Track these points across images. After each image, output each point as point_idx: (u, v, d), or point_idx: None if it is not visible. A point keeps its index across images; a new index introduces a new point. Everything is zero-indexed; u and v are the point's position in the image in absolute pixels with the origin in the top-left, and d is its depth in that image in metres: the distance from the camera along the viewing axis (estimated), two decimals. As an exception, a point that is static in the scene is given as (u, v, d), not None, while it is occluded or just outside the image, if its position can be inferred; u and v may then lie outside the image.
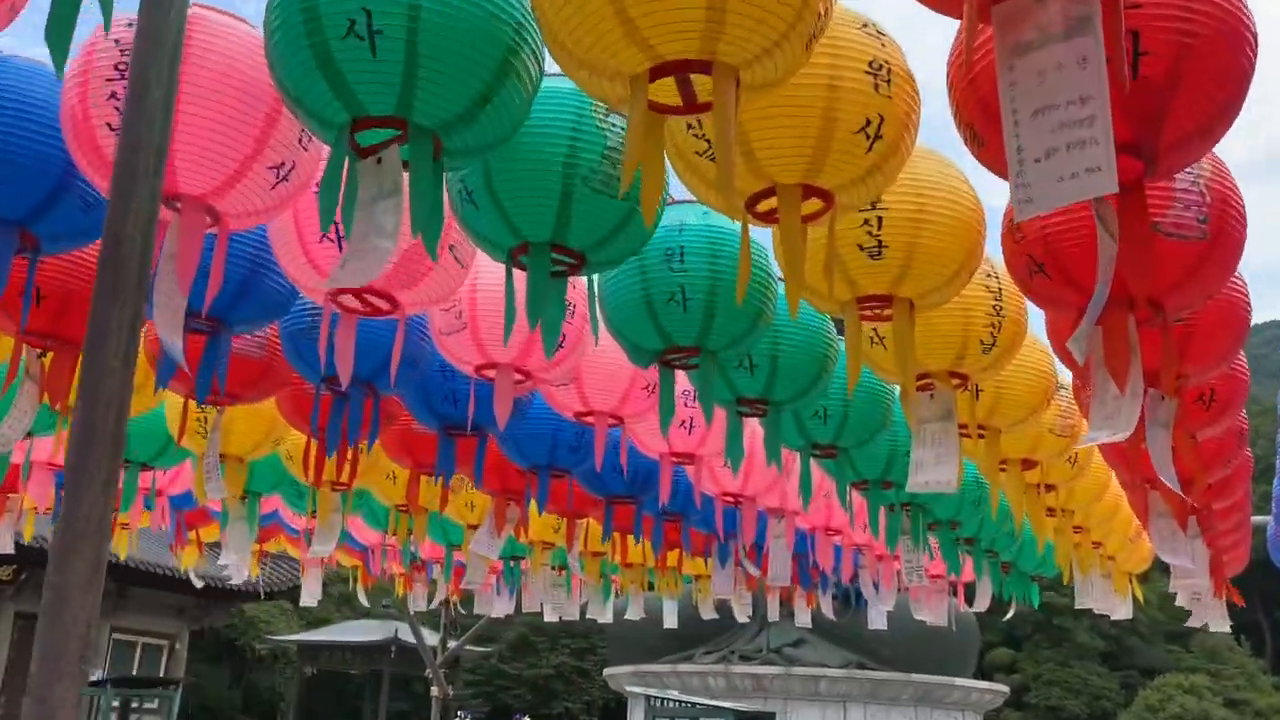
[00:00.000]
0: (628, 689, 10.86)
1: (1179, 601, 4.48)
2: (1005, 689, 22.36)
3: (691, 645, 21.45)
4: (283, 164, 2.53)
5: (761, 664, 19.89)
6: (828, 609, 6.45)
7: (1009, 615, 6.22)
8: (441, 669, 9.54)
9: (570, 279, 2.59)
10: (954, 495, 4.21)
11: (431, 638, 12.68)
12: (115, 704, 12.19)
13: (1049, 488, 4.03)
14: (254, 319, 3.35)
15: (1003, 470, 3.58)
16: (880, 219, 2.56)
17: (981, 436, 3.42)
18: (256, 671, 36.50)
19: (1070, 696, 39.70)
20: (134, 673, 22.96)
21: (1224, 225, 2.33)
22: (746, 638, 21.10)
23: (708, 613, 6.31)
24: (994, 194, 3.00)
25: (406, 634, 10.01)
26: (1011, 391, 3.31)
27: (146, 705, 13.13)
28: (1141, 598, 5.66)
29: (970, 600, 5.83)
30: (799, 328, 3.20)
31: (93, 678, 18.00)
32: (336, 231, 2.73)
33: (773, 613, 6.83)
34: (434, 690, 9.35)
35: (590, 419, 3.86)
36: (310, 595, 7.24)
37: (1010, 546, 5.23)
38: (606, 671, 23.00)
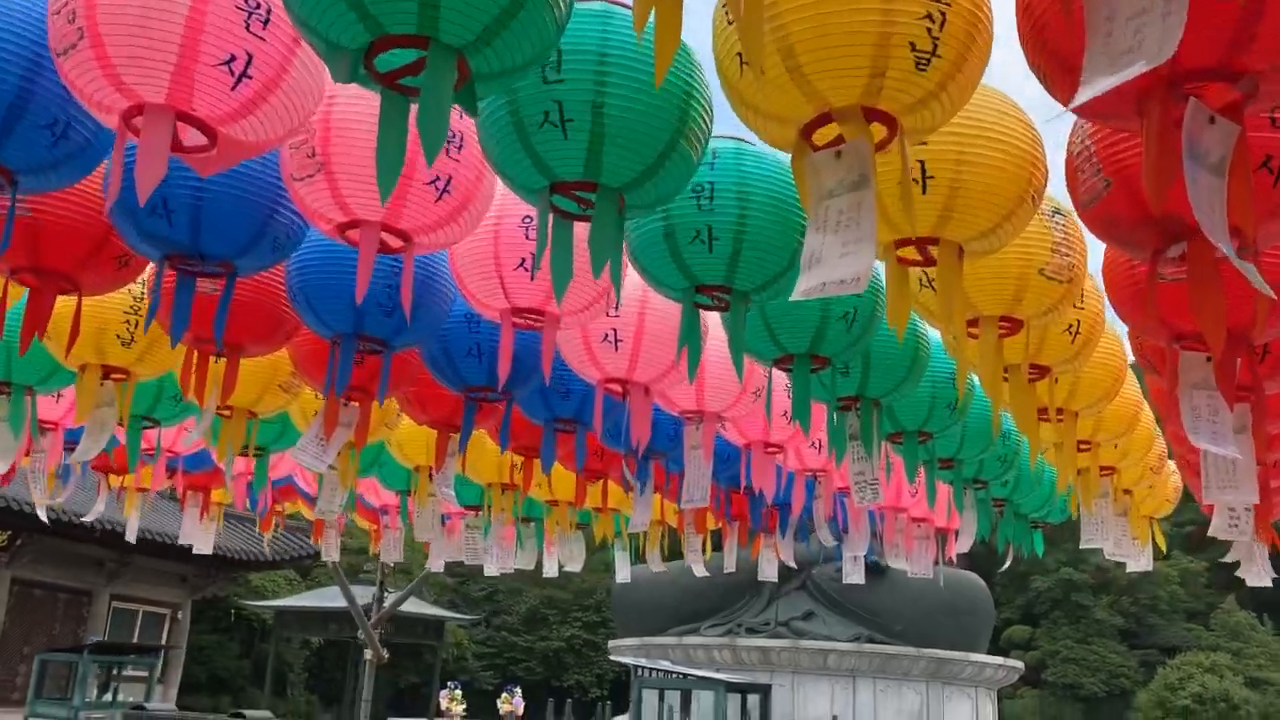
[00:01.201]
0: (625, 661, 10.41)
1: (1213, 530, 3.58)
2: (1020, 665, 21.86)
3: (698, 618, 21.10)
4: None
5: (769, 637, 19.49)
6: (789, 555, 5.76)
7: (1004, 565, 5.48)
8: (377, 630, 9.03)
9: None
10: (921, 396, 3.67)
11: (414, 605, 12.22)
12: (97, 671, 11.80)
13: (1039, 371, 3.18)
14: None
15: (972, 334, 2.88)
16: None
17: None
18: (267, 641, 36.43)
19: (1088, 674, 39.25)
20: (134, 641, 22.74)
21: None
22: (754, 610, 20.70)
23: (700, 570, 5.71)
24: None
25: (388, 600, 9.60)
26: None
27: (129, 672, 12.76)
28: (1164, 545, 4.99)
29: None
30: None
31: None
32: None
33: (767, 573, 6.22)
34: (367, 654, 8.84)
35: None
36: (330, 553, 6.90)
37: (1001, 473, 4.35)
38: (611, 644, 22.64)
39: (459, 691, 14.16)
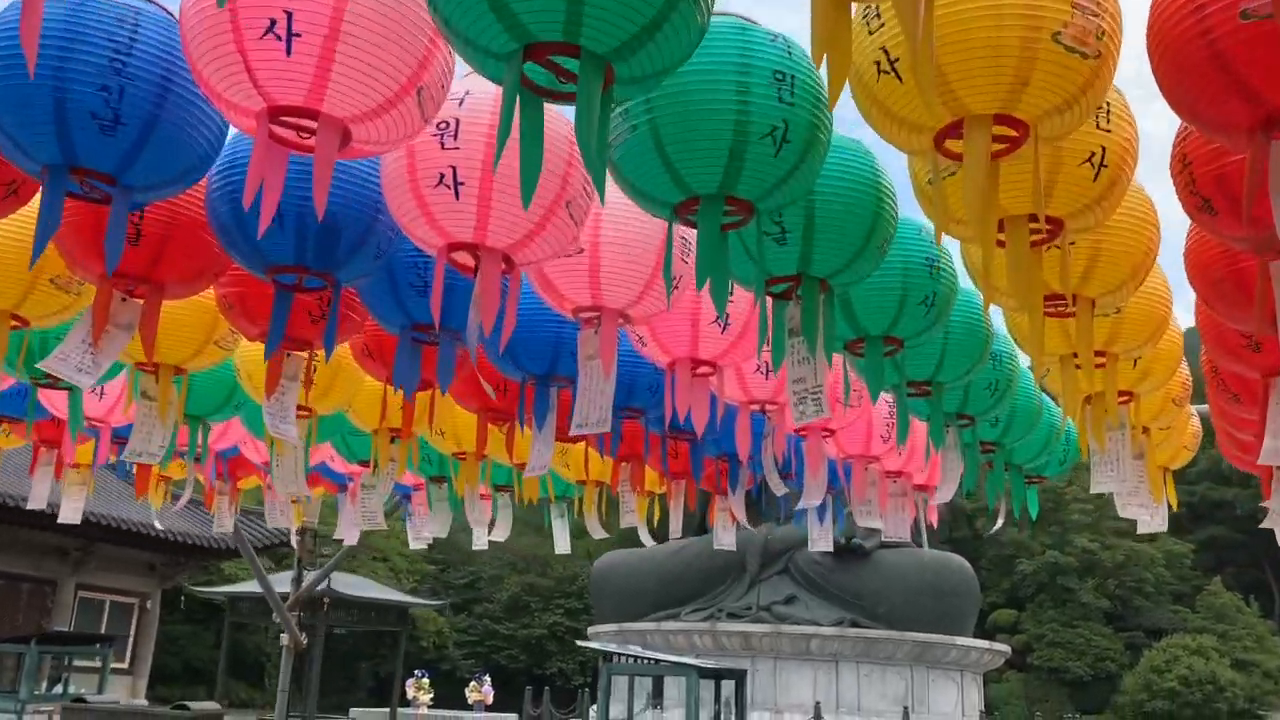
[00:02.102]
0: (593, 647, 9.93)
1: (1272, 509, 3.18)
2: (1006, 649, 21.53)
3: (679, 604, 20.70)
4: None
5: (750, 622, 19.09)
6: (741, 513, 5.11)
7: (995, 526, 4.74)
8: (295, 614, 8.51)
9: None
10: (887, 286, 2.90)
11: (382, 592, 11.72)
12: (50, 661, 11.25)
13: (1049, 230, 2.34)
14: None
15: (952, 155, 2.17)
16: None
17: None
18: (243, 631, 35.91)
19: (1074, 658, 39.07)
20: (102, 631, 22.19)
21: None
22: (735, 595, 20.32)
23: (643, 532, 5.10)
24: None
25: (339, 584, 9.08)
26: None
27: (79, 662, 12.22)
28: (1175, 504, 4.39)
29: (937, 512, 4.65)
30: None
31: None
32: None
33: (724, 540, 5.60)
34: (283, 639, 8.31)
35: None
36: (223, 523, 6.15)
37: (990, 406, 3.56)
38: (591, 630, 22.22)
39: (426, 680, 13.68)
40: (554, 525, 5.47)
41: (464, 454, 4.75)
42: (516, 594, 43.82)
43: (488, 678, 16.51)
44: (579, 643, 10.31)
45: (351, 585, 9.26)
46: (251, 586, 10.59)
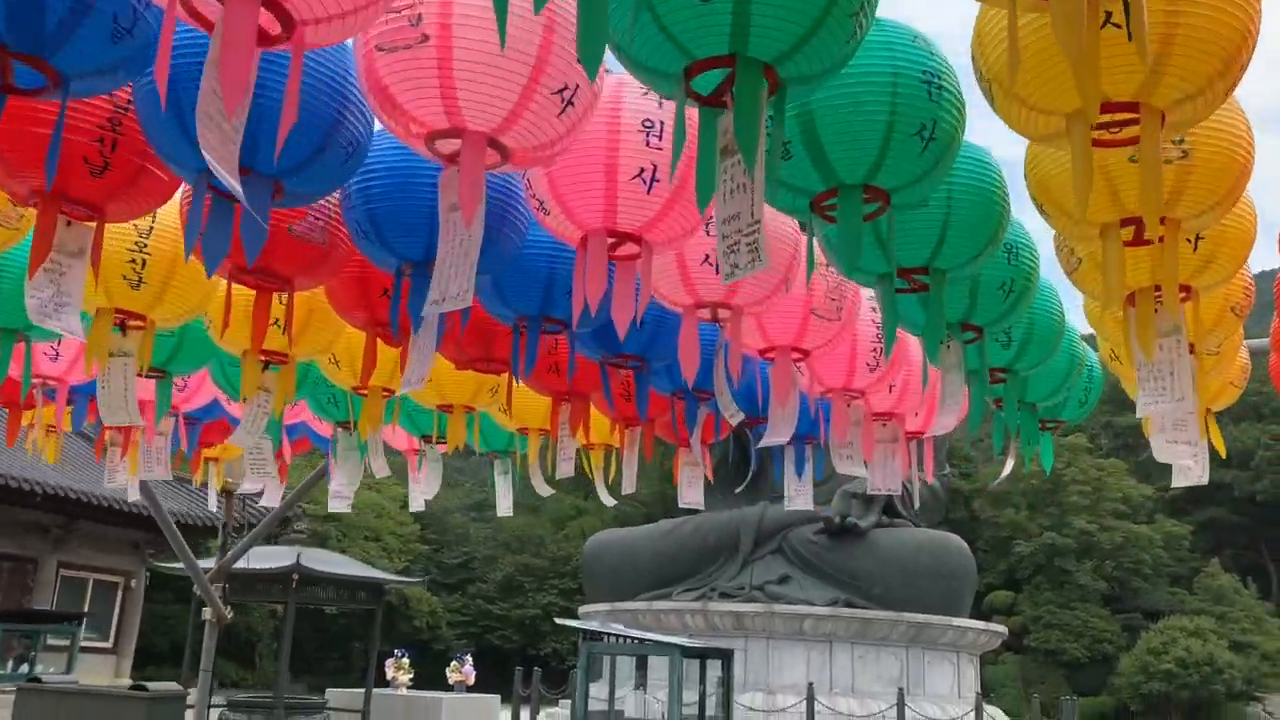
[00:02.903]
0: (572, 625, 9.57)
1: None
2: (1003, 630, 21.23)
3: (671, 583, 20.39)
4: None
5: (743, 601, 18.75)
6: (704, 462, 4.35)
7: (998, 478, 4.08)
8: (218, 586, 8.13)
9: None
10: (868, 114, 2.29)
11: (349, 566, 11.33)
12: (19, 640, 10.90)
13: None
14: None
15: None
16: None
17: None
18: (234, 611, 35.60)
19: (1070, 639, 38.83)
20: (85, 610, 21.90)
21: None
22: (728, 574, 20.00)
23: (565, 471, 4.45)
24: None
25: (311, 560, 8.71)
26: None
27: (56, 641, 11.88)
28: (1222, 449, 3.83)
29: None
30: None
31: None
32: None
33: (689, 497, 4.98)
34: (206, 613, 7.93)
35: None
36: (270, 497, 5.52)
37: (1002, 314, 2.93)
38: (582, 610, 21.90)
39: (406, 660, 13.35)
40: (496, 483, 4.92)
41: (449, 406, 4.17)
42: (510, 574, 43.56)
43: (469, 657, 16.16)
44: (559, 620, 9.96)
45: (322, 561, 8.90)
46: (211, 562, 10.21)
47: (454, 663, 15.36)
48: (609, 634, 8.38)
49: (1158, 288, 2.52)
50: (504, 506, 4.91)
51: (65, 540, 21.70)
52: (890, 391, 3.75)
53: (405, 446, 5.44)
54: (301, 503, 32.99)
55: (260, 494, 5.45)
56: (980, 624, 20.03)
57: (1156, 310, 2.50)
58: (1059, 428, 3.90)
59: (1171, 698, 35.70)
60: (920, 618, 18.16)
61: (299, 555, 8.93)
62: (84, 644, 23.14)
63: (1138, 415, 2.62)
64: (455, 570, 45.51)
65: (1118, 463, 44.89)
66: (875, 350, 3.53)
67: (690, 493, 4.14)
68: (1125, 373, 3.05)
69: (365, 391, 3.99)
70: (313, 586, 9.09)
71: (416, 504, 5.14)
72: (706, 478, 4.21)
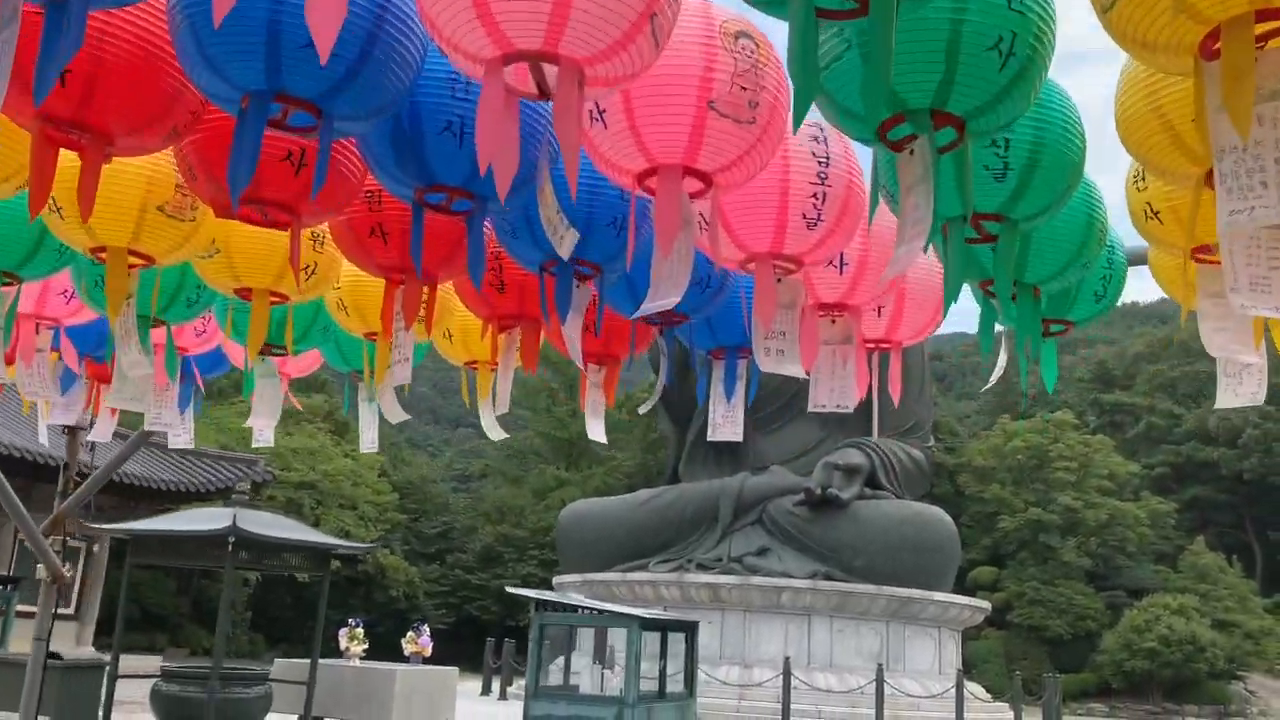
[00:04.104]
0: (518, 594, 9.02)
1: None
2: (986, 605, 20.85)
3: (648, 554, 19.93)
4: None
5: (720, 574, 18.26)
6: (574, 352, 3.39)
7: (988, 383, 3.03)
8: (59, 540, 7.49)
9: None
10: None
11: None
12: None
13: None
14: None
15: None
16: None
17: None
18: (207, 578, 35.17)
19: (1054, 616, 38.57)
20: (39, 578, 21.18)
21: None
22: (706, 546, 19.55)
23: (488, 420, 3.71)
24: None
25: (248, 521, 8.12)
26: None
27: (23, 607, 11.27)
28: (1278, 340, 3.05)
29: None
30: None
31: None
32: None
33: (594, 430, 4.12)
34: (40, 571, 7.28)
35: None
36: (180, 439, 4.83)
37: (989, 90, 2.11)
38: (555, 581, 21.41)
39: (360, 630, 12.79)
40: (360, 415, 4.23)
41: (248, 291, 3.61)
42: (490, 544, 43.09)
43: (426, 628, 15.60)
44: (509, 590, 9.40)
45: (263, 524, 8.32)
46: (154, 525, 9.60)
47: (410, 633, 14.80)
48: (563, 605, 7.81)
49: (1263, 36, 1.75)
50: (367, 439, 4.25)
51: (25, 503, 21.05)
52: (841, 273, 2.81)
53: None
54: (273, 469, 32.38)
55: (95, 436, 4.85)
56: (963, 599, 19.63)
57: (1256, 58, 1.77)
58: (1066, 331, 2.95)
59: (1154, 675, 35.52)
60: (902, 592, 17.74)
61: (235, 516, 8.33)
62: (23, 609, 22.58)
63: (1219, 231, 1.90)
64: (434, 540, 44.98)
65: (1104, 439, 44.57)
66: (815, 198, 2.54)
67: (594, 426, 3.43)
68: (1167, 233, 2.33)
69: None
70: (249, 551, 8.49)
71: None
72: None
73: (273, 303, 3.41)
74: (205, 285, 3.56)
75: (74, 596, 22.62)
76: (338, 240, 3.21)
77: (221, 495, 25.61)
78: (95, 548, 23.09)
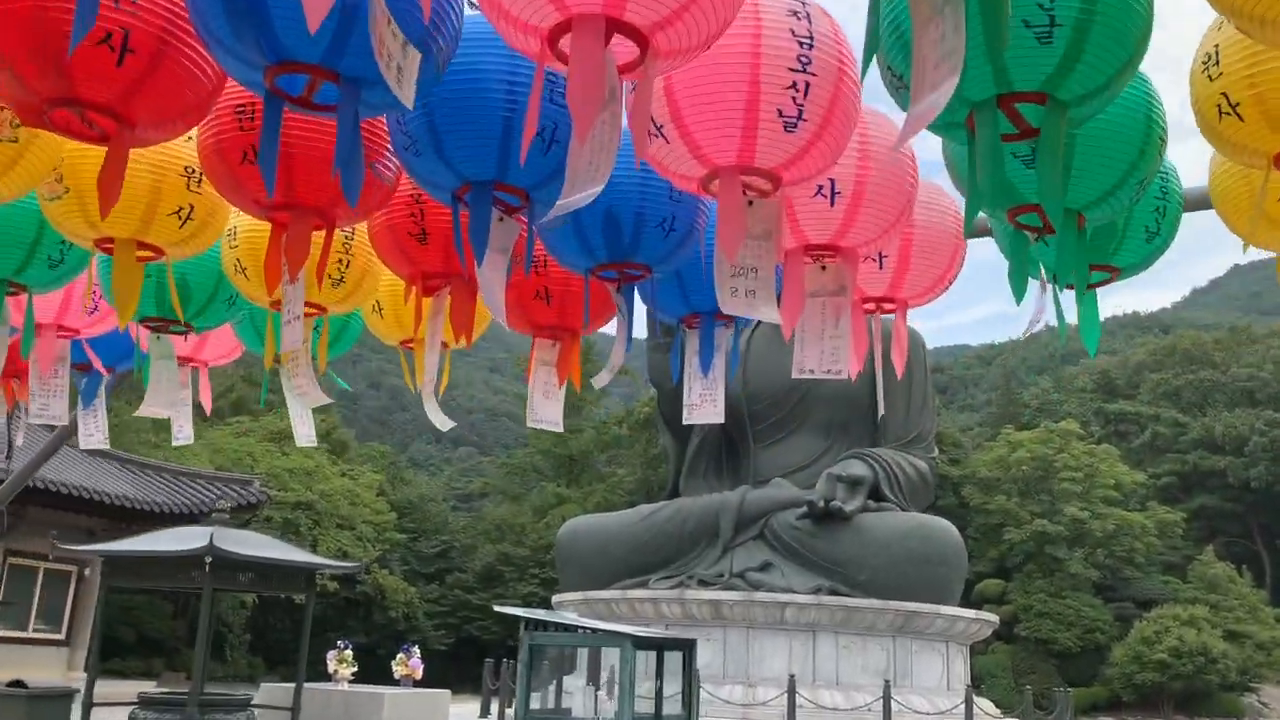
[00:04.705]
0: (509, 612, 8.68)
1: None
2: (994, 619, 20.40)
3: (648, 571, 19.53)
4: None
5: (722, 590, 17.86)
6: (496, 285, 2.97)
7: (1023, 333, 2.58)
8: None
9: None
10: None
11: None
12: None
13: None
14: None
15: None
16: None
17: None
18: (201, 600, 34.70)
19: (1062, 629, 38.07)
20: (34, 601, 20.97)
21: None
22: (708, 561, 19.14)
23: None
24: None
25: (225, 540, 7.78)
26: None
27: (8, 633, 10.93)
28: None
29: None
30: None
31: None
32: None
33: (546, 415, 3.67)
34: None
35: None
36: (92, 439, 4.46)
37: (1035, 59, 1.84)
38: (555, 599, 21.01)
39: (349, 651, 12.40)
40: (289, 407, 3.83)
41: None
42: (490, 563, 42.66)
43: (416, 650, 15.19)
44: (496, 607, 9.05)
45: (241, 543, 7.98)
46: (129, 545, 9.27)
47: (400, 655, 14.40)
48: (554, 623, 7.46)
49: None
50: (301, 434, 3.88)
51: (14, 527, 20.74)
52: (833, 205, 2.24)
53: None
54: (269, 489, 32.00)
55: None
56: (971, 613, 19.21)
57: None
58: (1113, 278, 2.42)
59: (1165, 688, 35.03)
60: (908, 606, 17.32)
61: (212, 535, 7.99)
62: (34, 636, 22.22)
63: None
64: (433, 560, 44.53)
65: (1110, 449, 44.17)
66: (795, 88, 2.01)
67: (544, 409, 2.99)
68: (1250, 134, 1.90)
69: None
70: (228, 571, 8.15)
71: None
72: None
73: (148, 259, 2.86)
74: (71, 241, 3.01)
75: (64, 622, 22.26)
76: (208, 174, 2.60)
77: (237, 514, 25.29)
78: (87, 572, 22.74)
